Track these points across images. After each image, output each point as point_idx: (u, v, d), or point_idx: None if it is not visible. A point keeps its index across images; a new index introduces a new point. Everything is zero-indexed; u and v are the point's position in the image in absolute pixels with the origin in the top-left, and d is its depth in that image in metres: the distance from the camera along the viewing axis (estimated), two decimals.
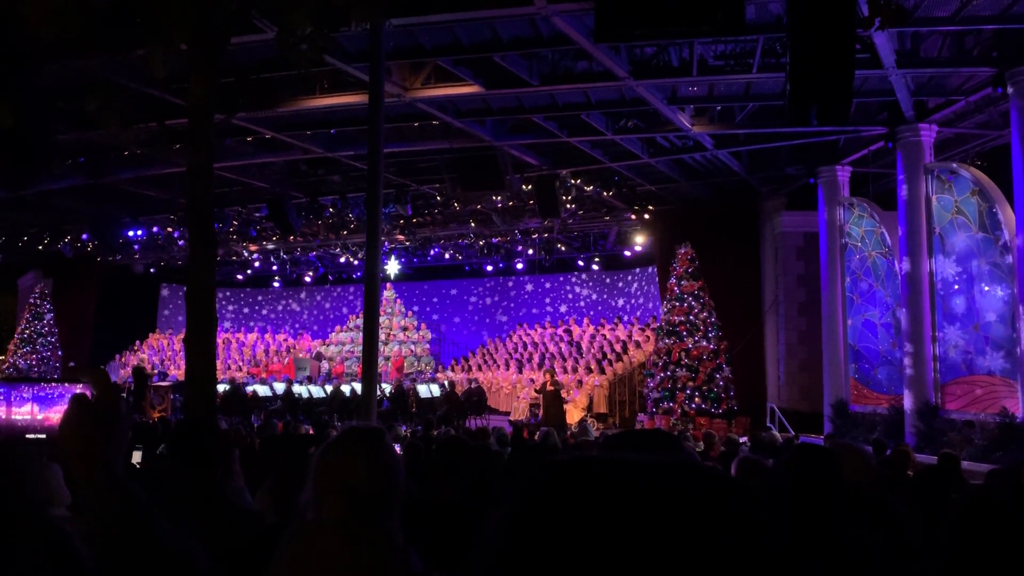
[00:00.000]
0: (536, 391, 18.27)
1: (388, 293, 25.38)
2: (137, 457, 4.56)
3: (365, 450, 1.84)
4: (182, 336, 28.63)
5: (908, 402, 13.94)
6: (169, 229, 23.37)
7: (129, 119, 10.78)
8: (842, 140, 16.09)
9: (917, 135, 13.78)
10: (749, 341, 18.48)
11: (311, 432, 11.41)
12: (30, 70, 6.50)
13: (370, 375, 10.05)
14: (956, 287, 13.38)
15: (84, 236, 23.61)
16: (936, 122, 13.84)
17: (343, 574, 1.69)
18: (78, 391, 1.14)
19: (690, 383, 17.25)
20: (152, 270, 28.73)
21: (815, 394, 17.36)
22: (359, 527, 1.75)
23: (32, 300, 25.77)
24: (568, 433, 14.95)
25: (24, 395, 1.50)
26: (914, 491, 5.70)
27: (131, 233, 23.11)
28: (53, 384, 1.68)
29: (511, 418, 20.50)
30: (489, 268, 27.45)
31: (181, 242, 24.43)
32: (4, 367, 25.64)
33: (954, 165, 13.67)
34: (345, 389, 19.60)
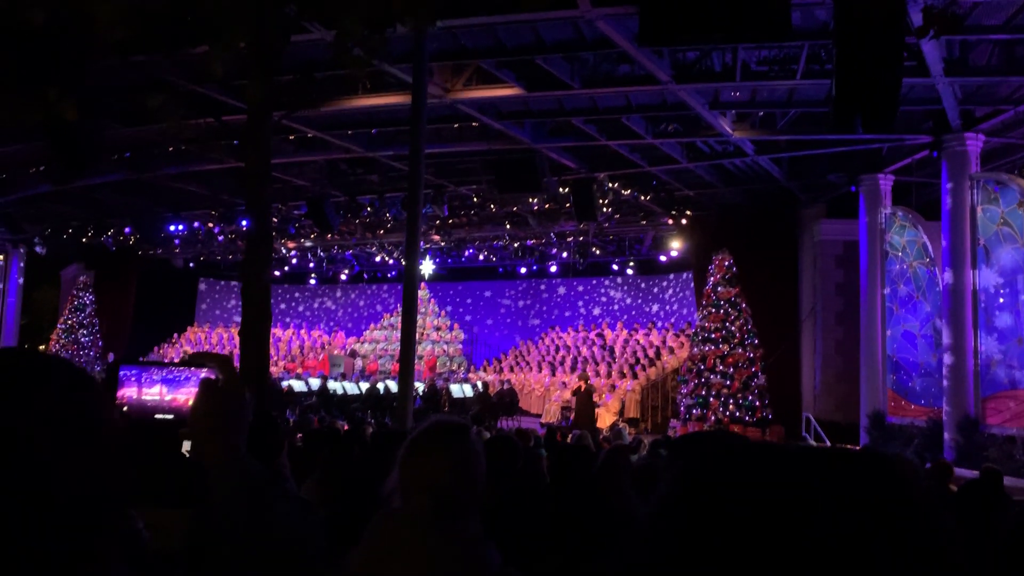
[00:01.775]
0: (572, 393, 18.28)
1: (422, 293, 25.50)
2: (187, 446, 4.63)
3: (450, 448, 1.88)
4: (219, 330, 28.99)
5: (947, 415, 13.73)
6: (209, 224, 23.72)
7: (182, 116, 10.97)
8: (885, 148, 15.88)
9: (963, 144, 13.57)
10: (785, 350, 18.30)
11: (346, 427, 11.56)
12: (91, 69, 6.67)
13: (407, 374, 10.13)
14: (1000, 300, 13.15)
15: (127, 230, 24.04)
16: (983, 132, 13.62)
17: (424, 565, 1.75)
18: (204, 375, 1.19)
19: (724, 390, 17.13)
20: (191, 264, 29.19)
21: (851, 405, 17.15)
22: (441, 521, 1.80)
23: (74, 292, 26.29)
24: (601, 437, 14.95)
25: (154, 377, 1.59)
26: (958, 506, 5.62)
27: (172, 228, 23.51)
28: (180, 368, 1.78)
29: (542, 420, 20.53)
30: (523, 270, 27.48)
31: (220, 238, 24.80)
32: None
33: (1002, 176, 13.45)
34: (379, 386, 19.74)
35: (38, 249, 25.25)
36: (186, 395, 1.09)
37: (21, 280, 27.53)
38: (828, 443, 15.64)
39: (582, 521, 3.83)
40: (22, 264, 27.51)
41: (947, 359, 13.77)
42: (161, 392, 1.11)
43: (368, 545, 1.75)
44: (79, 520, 0.77)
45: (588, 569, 3.53)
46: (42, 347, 28.62)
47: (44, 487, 0.75)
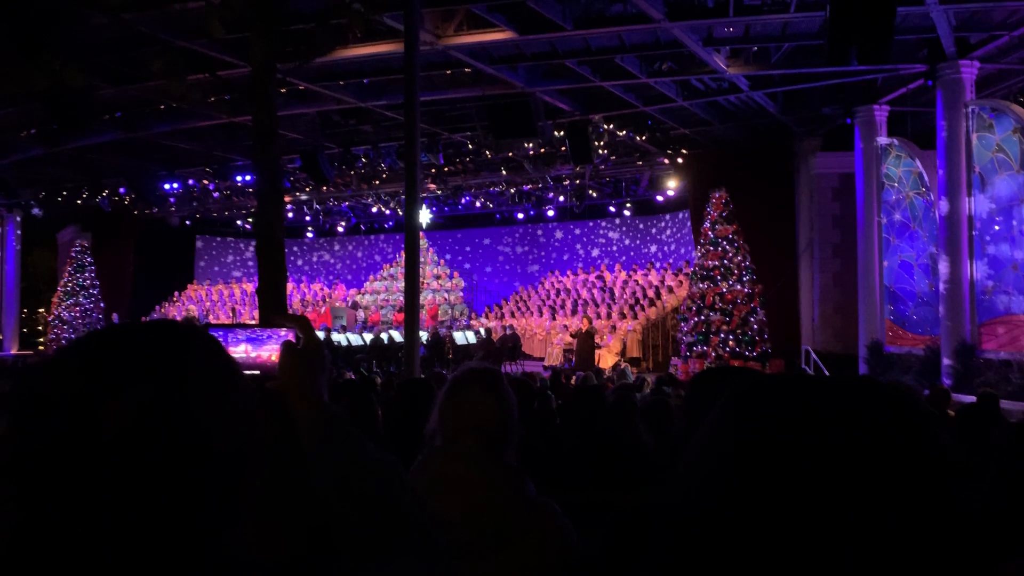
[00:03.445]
0: (573, 335, 18.48)
1: (421, 242, 25.55)
2: None
3: (490, 390, 2.07)
4: (219, 287, 29.01)
5: (944, 342, 13.94)
6: (205, 182, 23.64)
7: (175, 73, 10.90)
8: (880, 79, 15.81)
9: (958, 72, 13.51)
10: (783, 284, 18.47)
11: (352, 377, 11.76)
12: (77, 28, 6.63)
13: (413, 323, 10.24)
14: (996, 228, 13.25)
15: (121, 190, 23.97)
16: (978, 58, 13.55)
17: (468, 494, 1.92)
18: (284, 334, 1.31)
19: (724, 327, 17.33)
20: (188, 222, 29.14)
21: (850, 336, 17.38)
22: (483, 455, 1.99)
23: (73, 254, 26.30)
24: (604, 377, 15.18)
25: (239, 336, 1.65)
26: (956, 429, 5.80)
27: (167, 186, 23.43)
28: (262, 328, 1.84)
29: (545, 363, 20.78)
30: (520, 216, 27.48)
31: (216, 194, 24.74)
32: (50, 319, 26.31)
33: (997, 103, 13.42)
34: (383, 337, 19.92)
35: (35, 212, 25.18)
36: (268, 352, 1.20)
37: (18, 246, 27.52)
38: (827, 374, 15.87)
39: (597, 455, 3.99)
40: (18, 230, 27.47)
41: (943, 287, 13.94)
42: (247, 350, 1.21)
43: (420, 481, 1.90)
44: (236, 467, 0.89)
45: (604, 499, 3.69)
46: (41, 310, 28.77)
47: (207, 441, 0.86)
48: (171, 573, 0.82)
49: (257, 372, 1.13)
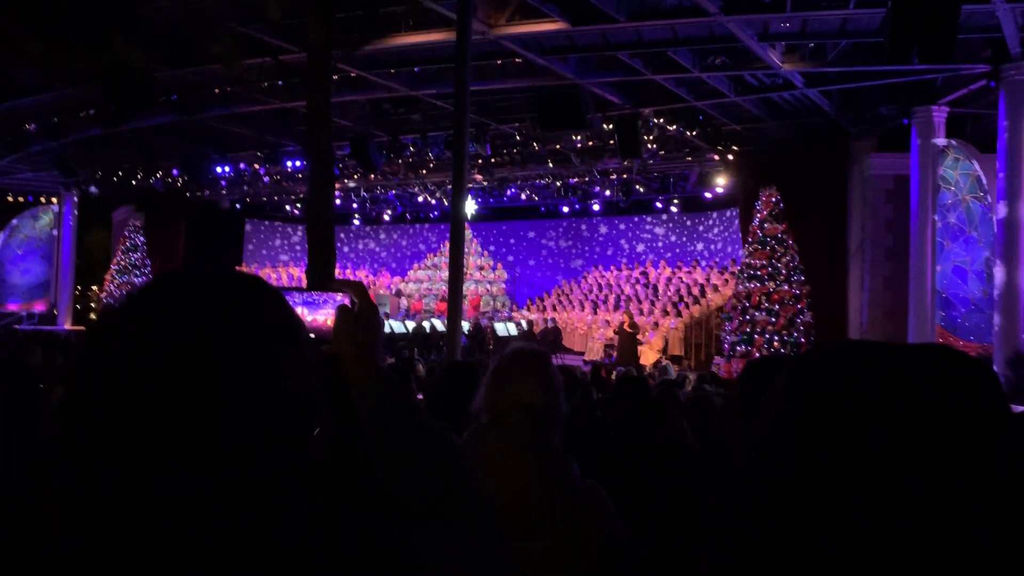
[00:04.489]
0: (614, 331, 18.39)
1: (465, 233, 25.63)
2: None
3: (537, 371, 2.06)
4: (267, 270, 29.43)
5: (997, 351, 13.60)
6: (255, 166, 23.97)
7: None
8: (940, 79, 15.42)
9: (1022, 73, 13.13)
10: (832, 286, 18.14)
11: (392, 362, 11.85)
12: (141, 8, 6.75)
13: (455, 313, 10.29)
14: None
15: (175, 172, 24.41)
16: None
17: (514, 475, 1.92)
18: (339, 299, 1.31)
19: (769, 327, 17.10)
20: (238, 206, 29.59)
21: (899, 341, 16.94)
22: (529, 436, 1.99)
23: (127, 233, 26.89)
24: (645, 373, 15.09)
25: (295, 300, 1.65)
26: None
27: (219, 170, 23.82)
28: (319, 292, 1.84)
29: (585, 358, 20.73)
30: (565, 209, 27.37)
31: (266, 179, 25.07)
32: (103, 296, 26.95)
33: None
34: (425, 325, 20.04)
35: (92, 190, 25.76)
36: (324, 316, 1.21)
37: (75, 224, 28.22)
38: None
39: (639, 449, 3.96)
40: (75, 209, 28.15)
41: (997, 293, 13.59)
42: (303, 314, 1.22)
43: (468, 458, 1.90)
44: (303, 421, 0.89)
45: (646, 493, 3.67)
46: (94, 288, 29.46)
47: (279, 392, 0.87)
48: (238, 524, 0.82)
49: (312, 335, 1.12)
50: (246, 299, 0.90)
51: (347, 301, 1.29)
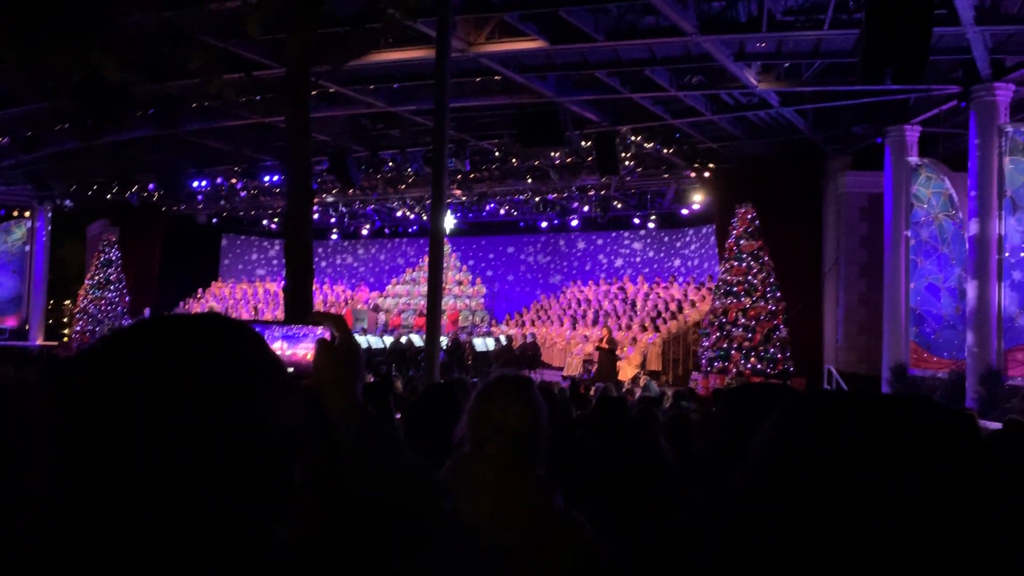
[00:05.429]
0: (596, 347, 18.44)
1: (444, 247, 25.60)
2: None
3: (521, 398, 2.06)
4: (243, 285, 29.16)
5: (970, 367, 13.77)
6: (232, 180, 23.86)
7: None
8: (912, 99, 15.68)
9: (992, 95, 13.38)
10: (808, 302, 18.32)
11: (372, 379, 11.79)
12: (120, 24, 6.71)
13: (434, 329, 10.28)
14: (1023, 254, 13.09)
15: (151, 186, 24.23)
16: (1014, 81, 13.42)
17: (496, 501, 1.92)
18: (319, 332, 1.32)
19: (746, 343, 17.21)
20: (214, 220, 29.41)
21: (874, 357, 17.20)
22: (512, 462, 1.99)
23: (100, 248, 26.60)
24: (623, 389, 15.12)
25: (275, 334, 1.65)
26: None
27: (195, 184, 23.67)
28: (297, 326, 1.84)
29: (564, 373, 20.73)
30: (544, 224, 27.45)
31: (243, 193, 24.96)
32: (76, 312, 26.62)
33: None
34: (403, 340, 19.97)
35: (66, 203, 25.49)
36: (304, 350, 1.21)
37: (47, 238, 27.89)
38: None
39: (619, 467, 3.97)
40: (49, 224, 27.83)
41: (970, 310, 13.77)
42: (282, 347, 1.21)
43: (450, 485, 1.90)
44: (285, 461, 0.90)
45: (625, 510, 3.68)
46: (68, 302, 29.12)
47: (260, 433, 0.87)
48: (218, 566, 0.82)
49: (291, 370, 1.12)
50: (227, 339, 0.90)
51: (327, 335, 1.30)
